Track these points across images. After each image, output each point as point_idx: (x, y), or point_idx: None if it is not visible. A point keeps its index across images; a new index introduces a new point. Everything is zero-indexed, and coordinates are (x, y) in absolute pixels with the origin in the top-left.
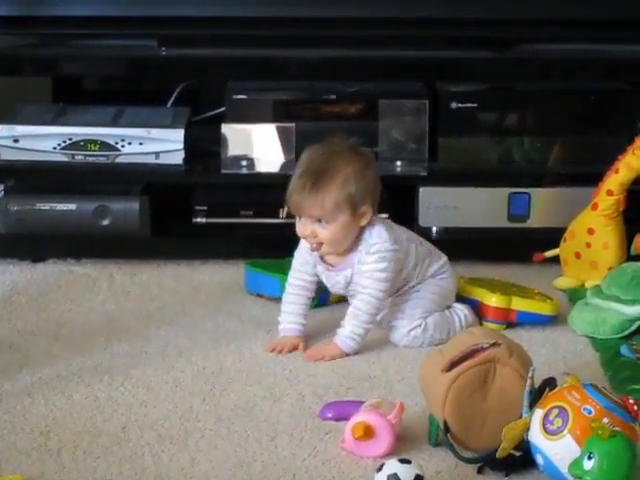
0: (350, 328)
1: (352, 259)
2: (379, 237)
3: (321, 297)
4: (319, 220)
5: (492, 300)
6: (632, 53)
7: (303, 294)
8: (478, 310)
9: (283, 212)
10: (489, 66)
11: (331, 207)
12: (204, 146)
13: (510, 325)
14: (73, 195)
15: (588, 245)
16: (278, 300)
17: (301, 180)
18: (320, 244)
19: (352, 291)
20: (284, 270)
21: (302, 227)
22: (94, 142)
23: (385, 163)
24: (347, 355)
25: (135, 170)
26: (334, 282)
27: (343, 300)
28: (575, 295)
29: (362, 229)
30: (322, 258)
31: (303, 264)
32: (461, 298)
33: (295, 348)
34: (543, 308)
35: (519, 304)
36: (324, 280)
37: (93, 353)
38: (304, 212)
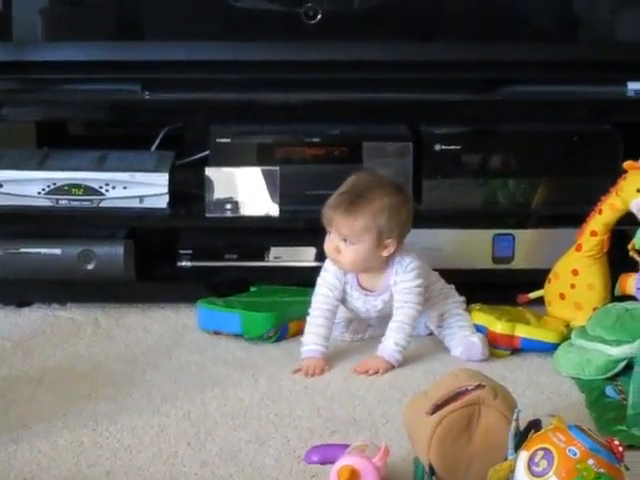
0: (396, 341)
1: (388, 283)
2: (410, 257)
3: (281, 331)
4: (345, 239)
5: (497, 327)
6: (614, 94)
7: (330, 317)
8: (486, 336)
9: (268, 255)
10: (472, 108)
11: (359, 230)
12: (188, 190)
13: (515, 351)
14: (58, 240)
15: (572, 286)
16: (238, 336)
17: (340, 198)
18: (340, 261)
19: (384, 310)
20: (242, 306)
21: (329, 242)
22: (78, 186)
23: None
24: (393, 367)
25: (119, 214)
26: (370, 306)
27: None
28: None
29: (393, 255)
30: (360, 284)
31: (332, 289)
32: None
33: (322, 370)
34: (546, 336)
35: (522, 331)
36: (359, 305)
37: (78, 398)
38: (333, 228)
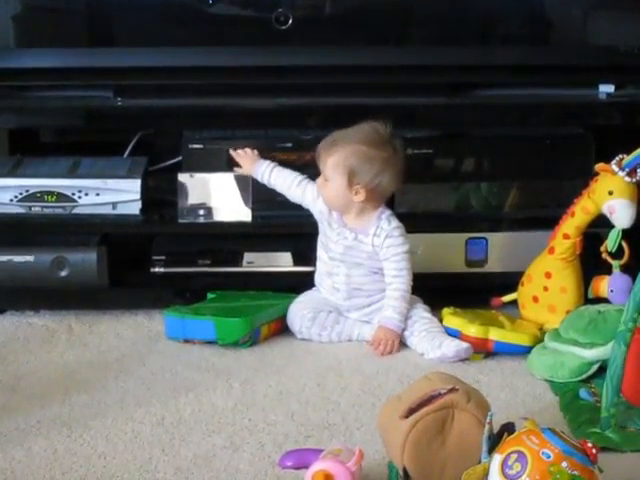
0: (400, 310)
1: (368, 227)
2: (399, 222)
3: (254, 335)
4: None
5: (471, 330)
6: (586, 97)
7: (292, 175)
8: (460, 339)
9: (241, 261)
10: (444, 112)
11: (331, 166)
12: (161, 196)
13: (489, 354)
14: (30, 247)
15: (545, 289)
16: (211, 342)
17: (330, 136)
18: (322, 195)
19: (347, 262)
20: (213, 312)
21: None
22: (51, 193)
23: None
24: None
25: (92, 221)
26: (341, 237)
27: (276, 335)
28: None
29: (384, 207)
30: (343, 221)
31: (308, 194)
32: (445, 328)
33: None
34: (520, 339)
35: (496, 334)
36: (331, 233)
37: (52, 405)
38: (319, 161)
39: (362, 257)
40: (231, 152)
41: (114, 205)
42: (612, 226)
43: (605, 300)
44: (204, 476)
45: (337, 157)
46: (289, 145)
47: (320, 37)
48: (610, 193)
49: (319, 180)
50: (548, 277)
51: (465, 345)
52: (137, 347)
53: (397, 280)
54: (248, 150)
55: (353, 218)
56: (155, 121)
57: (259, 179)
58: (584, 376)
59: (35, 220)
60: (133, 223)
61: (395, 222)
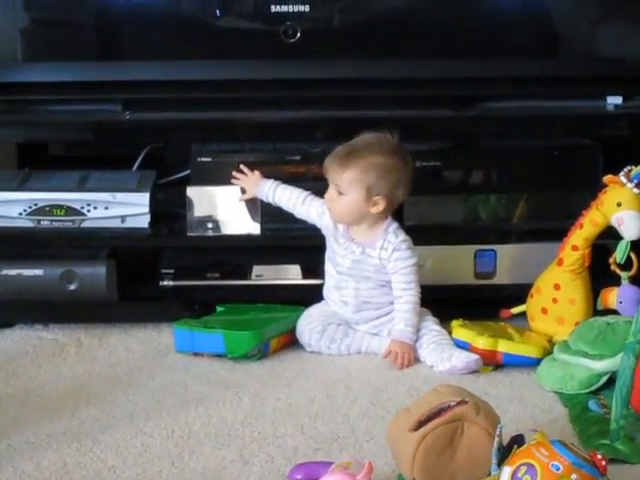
0: (412, 322)
1: (375, 241)
2: (406, 235)
3: (264, 348)
4: (339, 191)
5: (480, 342)
6: (594, 109)
7: (296, 193)
8: (469, 352)
9: (250, 274)
10: (452, 124)
11: (347, 181)
12: (170, 209)
13: (498, 366)
14: (40, 260)
15: (554, 301)
16: (220, 355)
17: (339, 150)
18: (331, 209)
19: (355, 276)
20: (222, 326)
21: (327, 191)
22: (60, 207)
23: None
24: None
25: (101, 234)
26: (349, 252)
27: (285, 348)
28: None
29: (386, 219)
30: (348, 234)
31: (313, 210)
32: (453, 340)
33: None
34: (529, 351)
35: (505, 346)
36: (338, 248)
37: (61, 418)
38: (329, 177)
39: (370, 270)
40: (232, 180)
41: (123, 218)
42: (621, 238)
43: (614, 312)
44: None
45: (354, 171)
46: (297, 158)
47: (328, 50)
48: (618, 205)
49: (329, 194)
50: (557, 289)
51: (474, 357)
52: (146, 360)
53: (407, 293)
54: (249, 172)
55: (362, 232)
56: (164, 134)
57: (264, 199)
58: (593, 388)
59: (44, 234)
60: (142, 236)
61: (402, 235)
